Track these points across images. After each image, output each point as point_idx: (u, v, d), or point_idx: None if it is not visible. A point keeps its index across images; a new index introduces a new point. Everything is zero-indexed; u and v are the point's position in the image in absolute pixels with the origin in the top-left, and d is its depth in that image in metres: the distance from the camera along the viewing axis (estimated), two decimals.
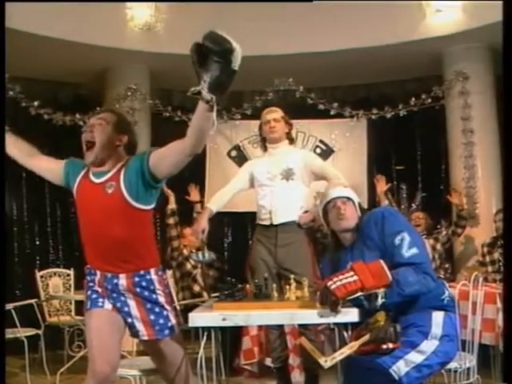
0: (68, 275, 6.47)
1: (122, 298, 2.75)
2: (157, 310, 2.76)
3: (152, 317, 2.74)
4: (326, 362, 2.51)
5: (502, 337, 3.11)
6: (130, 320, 2.75)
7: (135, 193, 2.68)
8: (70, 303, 6.24)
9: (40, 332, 5.48)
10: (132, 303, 2.74)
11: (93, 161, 2.74)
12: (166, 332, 2.76)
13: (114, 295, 2.75)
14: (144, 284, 2.74)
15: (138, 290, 2.73)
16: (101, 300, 2.74)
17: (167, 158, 2.63)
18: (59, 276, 6.45)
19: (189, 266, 6.00)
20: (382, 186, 6.10)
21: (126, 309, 2.74)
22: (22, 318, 5.24)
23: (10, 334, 5.18)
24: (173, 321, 2.79)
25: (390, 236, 2.89)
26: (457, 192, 6.42)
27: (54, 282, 6.40)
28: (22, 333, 5.15)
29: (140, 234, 2.77)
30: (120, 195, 2.67)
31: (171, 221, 6.01)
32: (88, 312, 2.77)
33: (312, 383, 4.11)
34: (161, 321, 2.75)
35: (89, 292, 2.80)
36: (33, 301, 5.62)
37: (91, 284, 2.80)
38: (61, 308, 6.19)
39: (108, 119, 2.80)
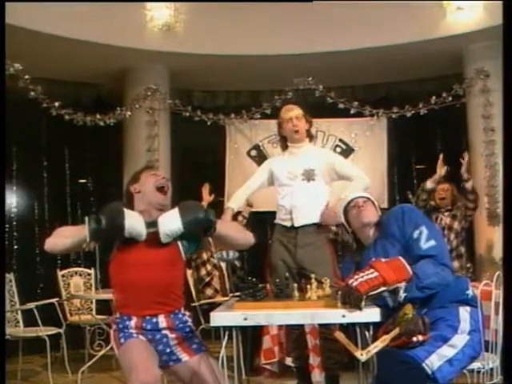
0: (89, 274, 6.52)
1: (160, 332, 2.92)
2: (190, 335, 3.00)
3: (188, 340, 2.97)
4: (362, 355, 2.51)
5: (502, 336, 3.07)
6: (168, 350, 2.93)
7: (186, 249, 2.99)
8: (91, 302, 6.28)
9: (61, 331, 5.53)
10: (169, 335, 2.93)
11: (167, 204, 3.00)
12: (203, 348, 2.97)
13: (152, 332, 2.91)
14: (179, 320, 2.98)
15: (174, 326, 2.94)
16: (135, 335, 2.88)
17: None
18: (80, 275, 6.49)
19: (203, 272, 6.01)
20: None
21: (165, 340, 2.92)
22: (43, 317, 5.29)
23: (32, 332, 5.25)
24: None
25: (409, 230, 2.95)
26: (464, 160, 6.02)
27: (75, 282, 6.45)
28: (44, 331, 5.21)
29: (180, 279, 3.08)
30: (175, 246, 2.95)
31: None
32: (123, 345, 2.85)
33: (332, 383, 4.10)
34: (196, 340, 2.99)
35: (121, 334, 2.90)
36: (54, 300, 5.69)
37: (124, 330, 2.91)
38: (82, 307, 6.24)
39: None
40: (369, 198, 3.26)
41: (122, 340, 2.87)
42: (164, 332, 2.92)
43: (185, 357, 2.92)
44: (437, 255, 2.87)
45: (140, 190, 3.00)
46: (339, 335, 2.62)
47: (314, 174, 4.14)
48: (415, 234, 2.92)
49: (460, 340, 2.78)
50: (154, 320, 2.91)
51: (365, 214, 3.15)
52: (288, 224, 4.14)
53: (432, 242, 2.89)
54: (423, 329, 2.66)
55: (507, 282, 2.47)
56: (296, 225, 4.11)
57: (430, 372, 2.64)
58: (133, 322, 2.90)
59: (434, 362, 2.66)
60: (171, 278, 2.97)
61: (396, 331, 2.63)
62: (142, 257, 2.89)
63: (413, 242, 2.92)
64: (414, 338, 2.64)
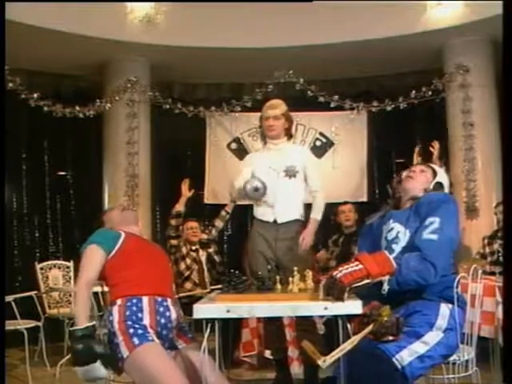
0: (68, 267, 6.48)
1: (168, 326, 3.05)
2: (183, 325, 3.24)
3: (183, 331, 3.20)
4: (324, 361, 2.49)
5: (502, 336, 3.10)
6: (170, 344, 3.07)
7: None
8: (70, 295, 6.23)
9: (40, 324, 5.50)
10: (172, 327, 3.08)
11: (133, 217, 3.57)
12: (193, 336, 3.21)
13: (163, 320, 3.02)
14: (178, 313, 3.19)
15: (177, 316, 3.14)
16: (149, 335, 2.90)
17: None
18: (59, 268, 6.45)
19: (183, 266, 6.00)
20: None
21: (171, 335, 3.08)
22: (21, 310, 5.25)
23: (10, 325, 5.18)
24: None
25: (427, 215, 2.86)
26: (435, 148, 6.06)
27: (54, 274, 6.41)
28: (22, 325, 5.16)
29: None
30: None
31: (173, 222, 5.97)
32: (139, 347, 2.85)
33: (312, 374, 4.12)
34: (188, 331, 3.24)
35: (131, 330, 2.90)
36: (33, 293, 5.63)
37: (134, 318, 2.93)
38: (60, 300, 6.21)
39: None
40: (430, 167, 3.17)
41: (136, 340, 2.86)
42: (170, 325, 3.05)
43: (181, 343, 3.10)
44: (429, 250, 2.75)
45: (111, 224, 3.46)
46: (306, 345, 2.62)
47: (295, 171, 4.18)
48: (427, 222, 2.82)
49: (433, 337, 2.77)
50: (165, 303, 3.06)
51: (408, 182, 3.13)
52: (270, 219, 4.19)
53: (433, 236, 2.77)
54: (395, 331, 2.66)
55: (507, 281, 2.47)
56: (279, 221, 4.17)
57: (399, 367, 2.64)
58: (145, 303, 2.98)
59: (404, 357, 2.66)
60: (169, 264, 3.44)
61: (367, 330, 2.63)
62: (144, 244, 3.36)
63: (421, 228, 2.84)
64: (384, 338, 2.66)
